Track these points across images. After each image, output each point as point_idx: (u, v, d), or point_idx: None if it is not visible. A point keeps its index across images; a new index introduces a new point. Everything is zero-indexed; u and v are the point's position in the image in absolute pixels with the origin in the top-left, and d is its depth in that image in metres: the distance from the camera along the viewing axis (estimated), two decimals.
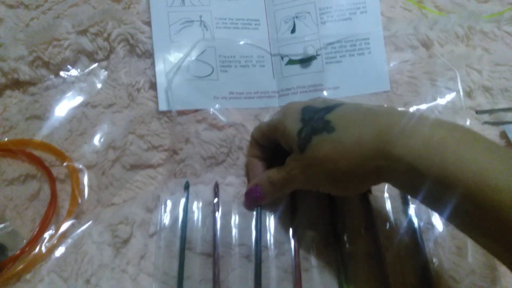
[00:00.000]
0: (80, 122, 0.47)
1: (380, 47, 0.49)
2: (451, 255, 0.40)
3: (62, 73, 0.49)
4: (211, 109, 0.47)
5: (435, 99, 0.48)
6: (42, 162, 0.44)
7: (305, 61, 0.49)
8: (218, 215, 0.42)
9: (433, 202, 0.30)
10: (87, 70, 0.49)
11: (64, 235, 0.41)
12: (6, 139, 0.46)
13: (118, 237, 0.41)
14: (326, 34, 0.49)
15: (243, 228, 0.42)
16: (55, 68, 0.48)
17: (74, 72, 0.49)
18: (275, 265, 0.40)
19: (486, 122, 0.48)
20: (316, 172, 0.35)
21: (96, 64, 0.49)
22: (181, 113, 0.47)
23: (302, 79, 0.49)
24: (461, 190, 0.27)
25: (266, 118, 0.48)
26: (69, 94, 0.48)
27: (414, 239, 0.41)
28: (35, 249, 0.40)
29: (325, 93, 0.49)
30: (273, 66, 0.50)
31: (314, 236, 0.42)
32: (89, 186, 0.44)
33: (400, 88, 0.49)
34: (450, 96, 0.48)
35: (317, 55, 0.49)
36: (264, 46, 0.50)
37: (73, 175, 0.43)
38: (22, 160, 0.44)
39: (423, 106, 0.48)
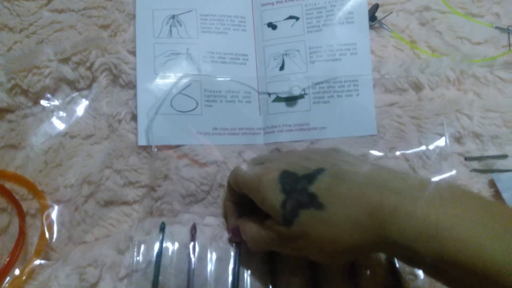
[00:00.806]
0: (57, 153, 0.45)
1: (368, 89, 0.48)
2: None
3: (41, 101, 0.47)
4: (193, 145, 0.46)
5: (422, 145, 0.47)
6: (13, 196, 0.42)
7: (292, 99, 0.48)
8: (193, 258, 0.40)
9: (429, 271, 0.31)
10: (67, 99, 0.48)
11: (30, 276, 0.39)
12: None
13: (85, 280, 0.39)
14: (314, 74, 0.48)
15: (220, 272, 0.40)
16: (34, 96, 0.47)
17: (54, 100, 0.47)
18: None
19: (474, 170, 0.47)
20: (305, 245, 0.33)
21: (77, 93, 0.48)
22: (162, 148, 0.46)
23: (289, 117, 0.48)
24: (464, 268, 0.27)
25: (249, 155, 0.47)
26: (48, 123, 0.47)
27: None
28: None
29: (311, 132, 0.48)
30: (260, 102, 0.49)
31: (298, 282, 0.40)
32: (61, 222, 0.43)
33: (387, 133, 0.48)
34: (437, 142, 0.47)
35: (305, 94, 0.48)
36: (251, 82, 0.49)
37: (44, 213, 0.41)
38: None
39: (410, 152, 0.47)
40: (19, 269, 0.40)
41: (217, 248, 0.42)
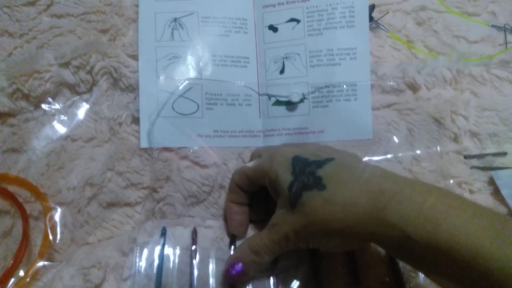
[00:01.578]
0: (59, 156, 0.46)
1: (366, 95, 0.48)
2: None
3: (42, 105, 0.47)
4: (194, 147, 0.46)
5: (415, 148, 0.48)
6: (16, 199, 0.42)
7: (292, 103, 0.48)
8: (195, 262, 0.41)
9: (421, 264, 0.31)
10: (68, 103, 0.48)
11: (35, 277, 0.40)
12: None
13: (89, 281, 0.39)
14: (314, 79, 0.48)
15: (221, 274, 0.41)
16: (35, 100, 0.47)
17: (55, 104, 0.48)
18: None
19: (474, 167, 0.48)
20: (308, 229, 0.34)
21: (78, 97, 0.48)
22: (163, 150, 0.46)
23: (288, 121, 0.48)
24: (453, 256, 0.27)
25: (249, 157, 0.47)
26: (49, 126, 0.47)
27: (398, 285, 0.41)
28: None
29: (309, 136, 0.48)
30: (260, 105, 0.49)
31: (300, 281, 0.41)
32: (64, 224, 0.43)
33: (383, 138, 0.48)
34: (432, 145, 0.47)
35: (304, 98, 0.48)
36: (252, 85, 0.49)
37: (47, 215, 0.42)
38: None
39: (405, 154, 0.47)
40: (23, 270, 0.40)
41: (218, 249, 0.42)
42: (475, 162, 0.48)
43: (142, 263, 0.41)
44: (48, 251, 0.41)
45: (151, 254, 0.41)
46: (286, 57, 0.49)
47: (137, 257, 0.41)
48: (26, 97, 0.46)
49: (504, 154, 0.48)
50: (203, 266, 0.41)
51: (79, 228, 0.43)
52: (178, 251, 0.41)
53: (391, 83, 0.49)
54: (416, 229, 0.29)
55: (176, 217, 0.44)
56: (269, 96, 0.49)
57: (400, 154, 0.48)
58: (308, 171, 0.34)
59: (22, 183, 0.44)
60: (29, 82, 0.46)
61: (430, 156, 0.47)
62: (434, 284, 0.40)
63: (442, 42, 0.53)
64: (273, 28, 0.50)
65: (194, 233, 0.42)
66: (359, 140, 0.48)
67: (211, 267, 0.41)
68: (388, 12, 0.53)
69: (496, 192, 0.45)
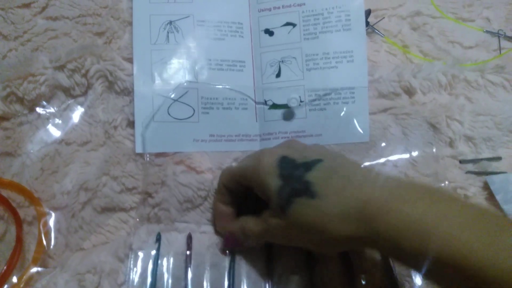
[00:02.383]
0: (53, 160, 0.45)
1: (364, 97, 0.48)
2: None
3: (37, 109, 0.47)
4: (190, 151, 0.46)
5: (411, 152, 0.48)
6: (10, 204, 0.42)
7: (289, 108, 0.48)
8: (190, 268, 0.40)
9: (415, 267, 0.30)
10: (63, 106, 0.48)
11: (28, 283, 0.39)
12: None
13: (84, 287, 0.39)
14: (311, 82, 0.48)
15: (216, 278, 0.41)
16: (30, 104, 0.46)
17: (49, 108, 0.47)
18: None
19: (469, 172, 0.48)
20: (298, 234, 0.34)
21: (72, 100, 0.48)
22: (159, 155, 0.46)
23: (285, 124, 0.48)
24: (446, 264, 0.27)
25: None
26: (43, 130, 0.47)
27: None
28: None
29: (307, 140, 0.48)
30: (256, 109, 0.49)
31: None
32: (58, 230, 0.42)
33: (378, 141, 0.48)
34: (427, 149, 0.48)
35: (301, 101, 0.48)
36: (248, 90, 0.49)
37: (41, 220, 0.41)
38: None
39: (400, 158, 0.48)
40: (16, 277, 0.39)
41: (213, 255, 0.42)
42: (470, 166, 0.48)
43: (137, 269, 0.40)
44: (42, 256, 0.40)
45: (146, 259, 0.41)
46: (282, 61, 0.49)
47: (132, 263, 0.41)
48: (20, 100, 0.46)
49: (498, 158, 0.48)
50: (198, 271, 0.41)
51: (73, 234, 0.42)
52: (172, 257, 0.41)
53: (388, 86, 0.49)
54: (406, 240, 0.28)
55: (171, 222, 0.43)
56: (266, 101, 0.49)
57: (396, 158, 0.48)
58: (297, 175, 0.34)
59: (16, 187, 0.43)
60: (24, 85, 0.45)
61: (425, 160, 0.47)
62: None
63: (437, 47, 0.53)
64: (269, 32, 0.50)
65: (189, 238, 0.42)
66: (356, 144, 0.48)
67: (206, 273, 0.41)
68: (384, 17, 0.53)
69: (491, 197, 0.46)
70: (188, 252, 0.41)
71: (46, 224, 0.42)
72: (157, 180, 0.44)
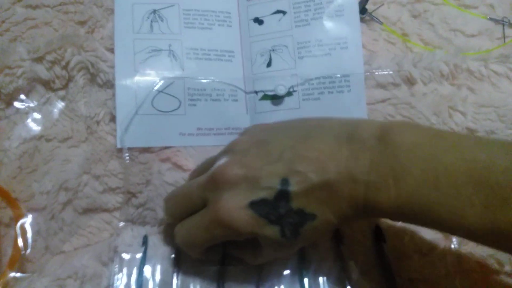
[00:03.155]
0: (32, 158, 0.43)
1: (360, 85, 0.46)
2: None
3: (15, 103, 0.45)
4: (176, 147, 0.44)
5: None
6: None
7: (280, 97, 0.46)
8: (178, 271, 0.39)
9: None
10: (42, 100, 0.45)
11: None
12: None
13: None
14: (303, 71, 0.46)
15: (205, 283, 0.39)
16: (7, 98, 0.44)
17: (28, 102, 0.45)
18: None
19: None
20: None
21: (53, 94, 0.45)
22: (143, 151, 0.43)
23: (277, 116, 0.46)
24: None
25: None
26: (22, 126, 0.44)
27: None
28: None
29: None
30: (247, 101, 0.47)
31: None
32: (37, 232, 0.40)
33: None
34: None
35: (293, 91, 0.46)
36: (237, 81, 0.47)
37: (18, 221, 0.39)
38: None
39: None
40: None
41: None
42: None
43: (122, 274, 0.38)
44: (20, 261, 0.38)
45: (131, 263, 0.39)
46: (273, 50, 0.47)
47: (117, 267, 0.38)
48: None
49: None
50: (187, 275, 0.39)
51: (53, 236, 0.40)
52: (160, 261, 0.39)
53: (386, 76, 0.47)
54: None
55: (157, 222, 0.41)
56: (256, 91, 0.46)
57: None
58: (285, 212, 0.31)
59: None
60: (0, 78, 0.43)
61: None
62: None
63: (438, 35, 0.51)
64: (258, 21, 0.48)
65: None
66: None
67: (195, 276, 0.39)
68: (382, 4, 0.51)
69: None
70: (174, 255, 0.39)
71: (23, 226, 0.40)
72: (141, 180, 0.42)
